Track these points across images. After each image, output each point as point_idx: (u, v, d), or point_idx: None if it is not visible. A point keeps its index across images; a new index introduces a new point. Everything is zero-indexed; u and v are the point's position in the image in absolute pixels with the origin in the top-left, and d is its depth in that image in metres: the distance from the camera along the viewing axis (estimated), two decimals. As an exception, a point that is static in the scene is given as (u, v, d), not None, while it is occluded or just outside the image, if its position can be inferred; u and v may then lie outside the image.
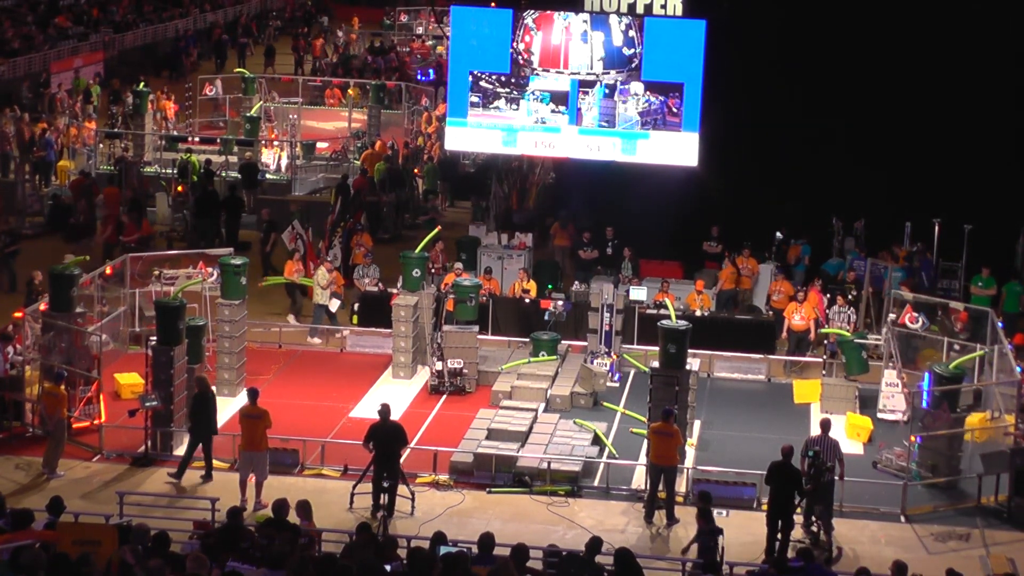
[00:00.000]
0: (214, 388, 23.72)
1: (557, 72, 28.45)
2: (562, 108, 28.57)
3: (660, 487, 20.15)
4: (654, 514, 20.12)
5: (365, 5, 63.21)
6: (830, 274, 28.94)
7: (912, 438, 21.67)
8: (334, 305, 27.42)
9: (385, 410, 20.26)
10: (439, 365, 24.64)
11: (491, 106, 28.79)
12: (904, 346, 25.34)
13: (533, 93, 28.65)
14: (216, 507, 18.12)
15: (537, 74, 28.48)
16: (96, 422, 22.34)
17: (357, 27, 59.30)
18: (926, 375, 22.46)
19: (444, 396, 24.57)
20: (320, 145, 39.88)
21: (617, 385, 24.85)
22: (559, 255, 30.81)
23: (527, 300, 27.52)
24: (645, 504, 20.27)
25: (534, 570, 15.17)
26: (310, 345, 27.17)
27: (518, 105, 28.73)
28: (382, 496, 19.74)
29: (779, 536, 18.96)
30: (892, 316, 24.88)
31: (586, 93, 28.34)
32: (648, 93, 28.02)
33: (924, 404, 21.85)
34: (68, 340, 22.75)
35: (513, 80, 28.68)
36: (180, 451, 21.44)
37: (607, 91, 28.19)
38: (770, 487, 19.35)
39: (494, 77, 28.73)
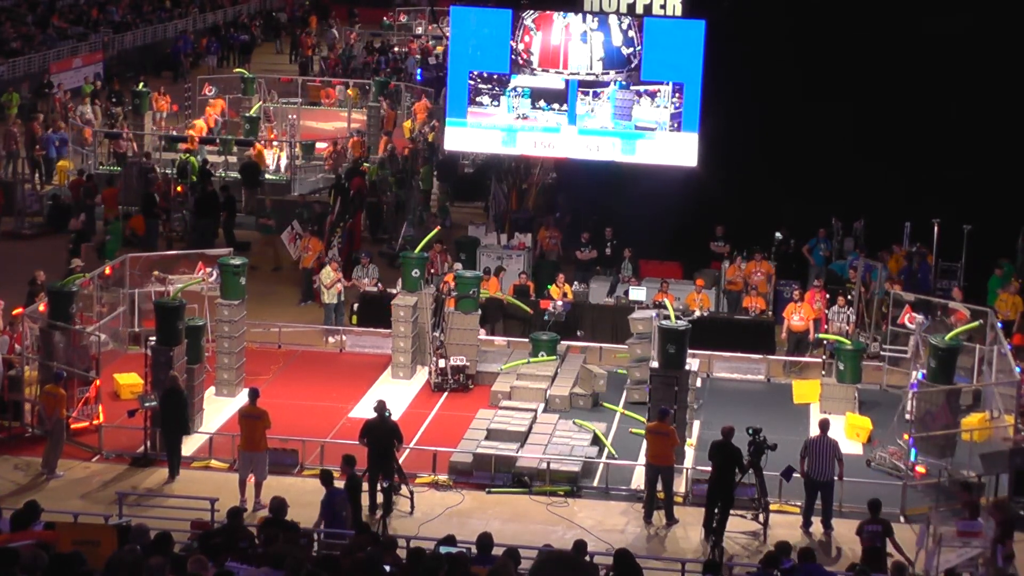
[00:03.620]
0: (213, 389, 23.88)
1: (556, 72, 28.46)
2: (542, 103, 28.57)
3: (658, 487, 20.17)
4: (653, 514, 20.12)
5: (366, 5, 63.21)
6: (838, 274, 28.95)
7: (906, 436, 21.72)
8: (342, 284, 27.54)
9: (381, 406, 20.27)
10: (441, 362, 24.64)
11: (475, 102, 28.80)
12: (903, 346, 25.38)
13: (515, 90, 28.66)
14: (215, 507, 18.12)
15: (524, 72, 28.52)
16: (95, 422, 22.34)
17: (314, 27, 59.19)
18: (919, 374, 22.66)
19: (446, 393, 24.58)
20: (320, 145, 39.86)
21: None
22: (544, 256, 30.70)
23: (561, 302, 27.34)
24: (644, 504, 20.28)
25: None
26: (328, 346, 27.16)
27: (499, 102, 28.75)
28: (379, 495, 19.76)
29: (716, 512, 19.32)
30: (920, 318, 24.68)
31: (587, 93, 28.34)
32: (673, 95, 28.03)
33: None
34: (66, 341, 22.74)
35: (495, 77, 28.70)
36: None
37: (623, 84, 28.19)
38: (712, 465, 19.64)
39: (480, 74, 28.77)
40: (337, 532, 17.23)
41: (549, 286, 28.42)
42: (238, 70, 48.25)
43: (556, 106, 28.59)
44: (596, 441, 22.36)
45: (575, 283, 28.68)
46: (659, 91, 28.13)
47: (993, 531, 17.31)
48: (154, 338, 22.34)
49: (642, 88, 28.18)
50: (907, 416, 23.35)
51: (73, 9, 55.22)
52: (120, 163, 36.51)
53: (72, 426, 22.07)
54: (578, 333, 27.15)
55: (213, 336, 24.38)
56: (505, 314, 27.47)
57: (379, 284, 28.24)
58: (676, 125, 28.14)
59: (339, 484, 18.44)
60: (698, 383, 24.27)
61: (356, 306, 27.98)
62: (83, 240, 30.34)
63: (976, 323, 23.77)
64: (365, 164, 36.35)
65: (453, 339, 24.92)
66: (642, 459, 20.99)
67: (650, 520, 20.09)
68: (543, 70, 28.55)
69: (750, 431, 19.86)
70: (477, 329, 25.36)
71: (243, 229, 33.47)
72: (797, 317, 26.32)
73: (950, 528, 17.70)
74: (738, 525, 19.58)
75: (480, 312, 25.78)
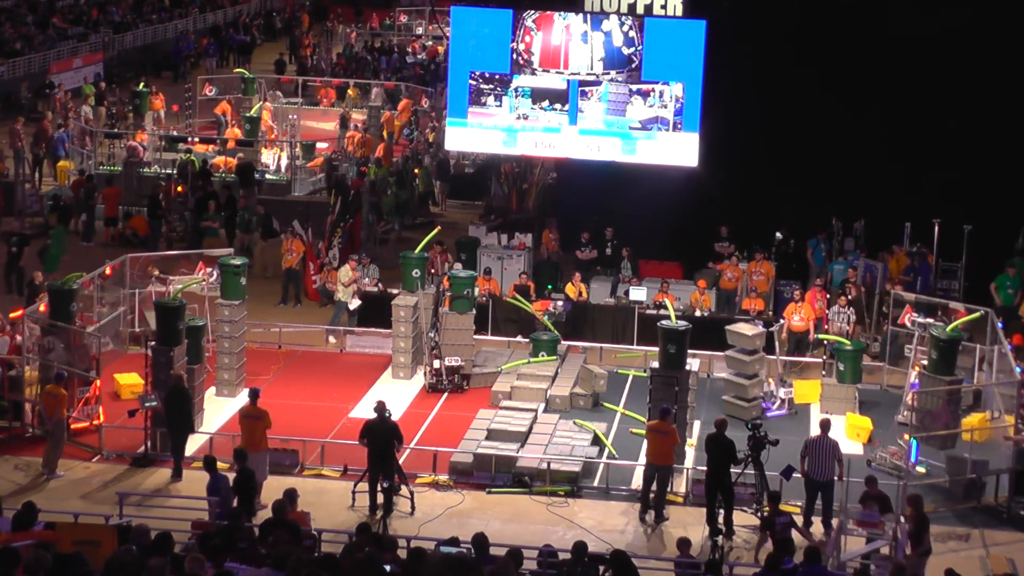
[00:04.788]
0: (213, 389, 23.87)
1: (557, 72, 28.46)
2: (544, 104, 28.57)
3: (653, 485, 20.19)
4: (647, 512, 20.13)
5: (366, 5, 63.15)
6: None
7: (906, 436, 21.72)
8: (354, 304, 27.47)
9: (381, 407, 20.28)
10: (436, 363, 24.63)
11: (478, 102, 28.81)
12: (903, 346, 25.36)
13: (516, 90, 28.67)
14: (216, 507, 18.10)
15: (525, 72, 28.54)
16: (95, 422, 22.33)
17: (306, 25, 59.17)
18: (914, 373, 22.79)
19: (446, 394, 24.57)
20: (320, 145, 39.85)
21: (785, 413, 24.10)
22: (550, 258, 30.73)
23: (562, 303, 27.33)
24: (640, 501, 20.29)
25: (533, 570, 15.17)
26: (328, 346, 27.13)
27: (501, 102, 28.77)
28: (379, 496, 19.75)
29: (721, 507, 19.50)
30: (921, 318, 24.64)
31: (586, 94, 28.37)
32: (666, 96, 28.01)
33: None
34: (66, 341, 22.71)
35: (497, 77, 28.71)
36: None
37: (617, 81, 28.20)
38: (707, 459, 19.87)
39: (481, 75, 28.78)
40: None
41: (550, 286, 28.48)
42: (238, 70, 48.21)
43: (557, 106, 28.60)
44: (596, 441, 22.36)
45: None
46: (652, 90, 28.14)
47: (905, 524, 17.63)
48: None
49: (635, 87, 28.18)
50: (898, 419, 23.48)
51: (73, 9, 55.20)
52: (126, 163, 36.50)
53: (72, 426, 22.08)
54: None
55: (213, 336, 24.38)
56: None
57: (379, 284, 28.26)
58: (677, 124, 28.12)
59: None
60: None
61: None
62: (25, 243, 30.14)
63: (977, 314, 23.75)
64: (364, 166, 36.37)
65: (448, 340, 24.90)
66: (643, 459, 20.96)
67: (644, 518, 20.11)
68: (544, 70, 28.55)
69: (750, 426, 19.94)
70: (472, 329, 25.34)
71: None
72: (798, 317, 26.32)
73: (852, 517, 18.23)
74: (738, 520, 19.61)
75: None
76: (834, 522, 18.74)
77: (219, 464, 21.10)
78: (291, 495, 17.54)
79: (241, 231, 31.94)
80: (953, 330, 22.69)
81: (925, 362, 23.00)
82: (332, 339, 27.28)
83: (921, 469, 21.39)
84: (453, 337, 24.98)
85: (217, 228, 32.54)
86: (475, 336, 25.54)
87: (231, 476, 18.91)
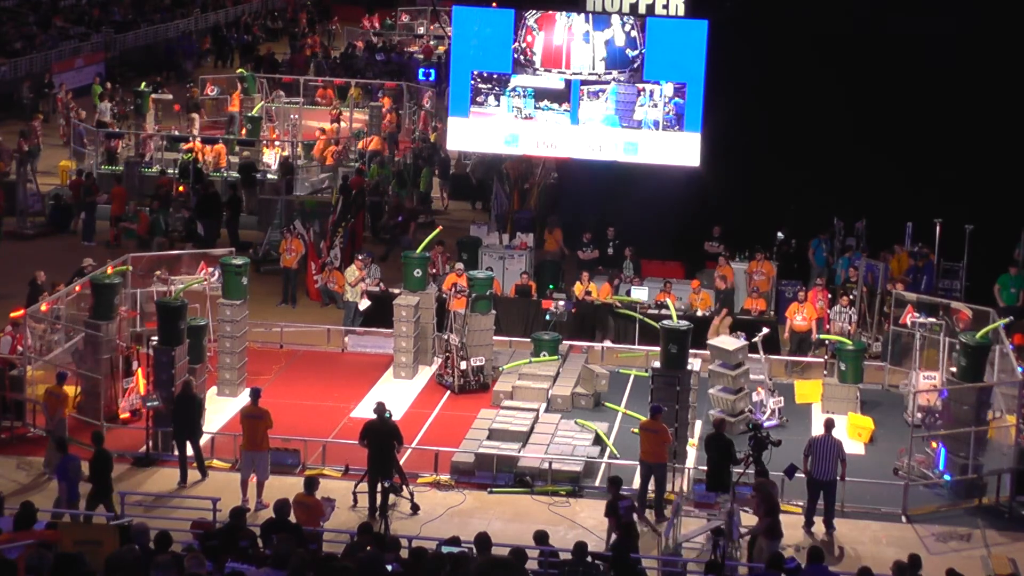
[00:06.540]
0: (215, 389, 23.86)
1: (559, 72, 28.46)
2: (544, 103, 28.58)
3: (651, 485, 20.17)
4: (644, 511, 20.12)
5: (367, 5, 63.09)
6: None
7: (933, 444, 21.66)
8: (363, 304, 27.46)
9: (380, 408, 20.27)
10: (463, 364, 24.57)
11: (479, 102, 28.81)
12: (905, 346, 25.35)
13: (514, 89, 28.66)
14: (217, 507, 18.11)
15: (527, 72, 28.54)
16: (137, 411, 22.65)
17: (304, 23, 59.20)
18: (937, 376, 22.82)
19: (448, 393, 24.58)
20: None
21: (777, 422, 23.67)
22: (552, 258, 30.73)
23: (588, 300, 27.35)
24: (636, 501, 20.28)
25: (534, 570, 15.17)
26: (335, 347, 27.05)
27: (500, 101, 28.76)
28: (378, 496, 19.74)
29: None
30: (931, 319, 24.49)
31: (589, 92, 28.37)
32: (674, 95, 28.01)
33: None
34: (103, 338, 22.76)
35: (498, 77, 28.72)
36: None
37: (624, 82, 28.21)
38: (707, 458, 19.93)
39: (482, 74, 28.79)
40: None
41: (551, 286, 28.46)
42: (240, 70, 48.17)
43: (558, 106, 28.60)
44: (598, 441, 22.35)
45: (577, 283, 28.64)
46: (660, 90, 28.13)
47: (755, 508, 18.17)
48: (156, 338, 22.35)
49: (643, 87, 28.18)
50: (907, 417, 23.45)
51: (75, 9, 55.21)
52: (128, 162, 36.49)
53: (120, 416, 22.43)
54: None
55: (215, 336, 24.38)
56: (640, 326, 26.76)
57: (381, 284, 28.26)
58: (678, 125, 28.14)
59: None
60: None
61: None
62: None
63: (1007, 319, 23.65)
64: (363, 164, 36.35)
65: (471, 340, 24.85)
66: (644, 459, 20.95)
67: (642, 516, 20.09)
68: (545, 70, 28.55)
69: (751, 426, 19.89)
70: (492, 329, 25.33)
71: (246, 229, 33.48)
72: (799, 317, 26.32)
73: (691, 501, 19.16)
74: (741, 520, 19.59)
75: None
76: (668, 510, 19.22)
77: (218, 463, 21.31)
78: (312, 482, 17.92)
79: (158, 234, 31.99)
80: (983, 336, 22.42)
81: (954, 369, 22.67)
82: (348, 340, 27.08)
83: (948, 478, 21.30)
84: (476, 338, 24.95)
85: (135, 230, 32.67)
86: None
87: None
